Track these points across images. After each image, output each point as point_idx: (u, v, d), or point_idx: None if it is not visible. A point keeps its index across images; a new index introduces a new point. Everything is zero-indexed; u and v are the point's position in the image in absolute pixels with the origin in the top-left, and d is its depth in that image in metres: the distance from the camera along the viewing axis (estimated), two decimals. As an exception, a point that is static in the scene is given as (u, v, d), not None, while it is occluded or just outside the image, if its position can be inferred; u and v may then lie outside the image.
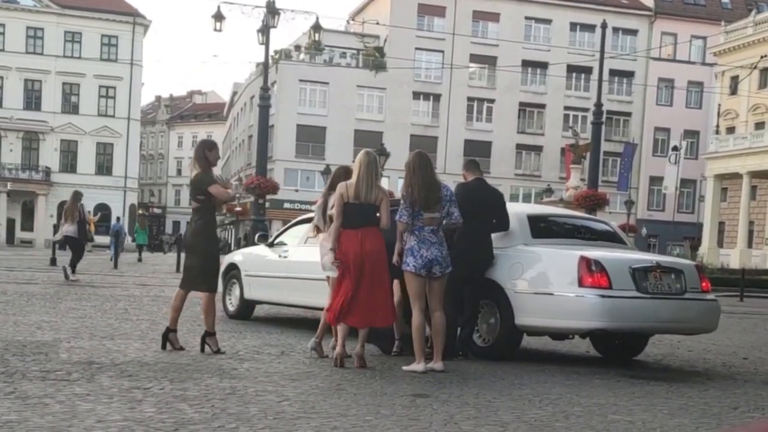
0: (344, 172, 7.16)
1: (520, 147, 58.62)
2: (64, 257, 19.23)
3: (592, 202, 23.77)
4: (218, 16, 22.76)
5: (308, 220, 8.99)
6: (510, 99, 57.77)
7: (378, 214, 6.59)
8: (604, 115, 26.72)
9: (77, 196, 16.63)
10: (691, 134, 56.83)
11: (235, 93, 73.79)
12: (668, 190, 44.74)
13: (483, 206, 7.43)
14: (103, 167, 56.28)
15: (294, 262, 9.43)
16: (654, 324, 7.30)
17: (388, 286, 6.66)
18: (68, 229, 16.17)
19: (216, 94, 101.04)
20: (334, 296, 6.63)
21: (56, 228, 20.23)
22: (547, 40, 57.75)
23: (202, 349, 6.93)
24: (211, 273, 7.09)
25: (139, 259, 32.55)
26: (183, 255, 7.39)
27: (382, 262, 6.57)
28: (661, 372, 7.35)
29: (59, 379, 5.29)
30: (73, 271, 16.14)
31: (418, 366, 6.40)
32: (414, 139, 54.95)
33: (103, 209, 53.64)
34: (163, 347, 6.96)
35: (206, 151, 7.11)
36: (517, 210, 8.05)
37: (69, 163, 55.67)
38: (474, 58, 57.11)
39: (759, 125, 45.77)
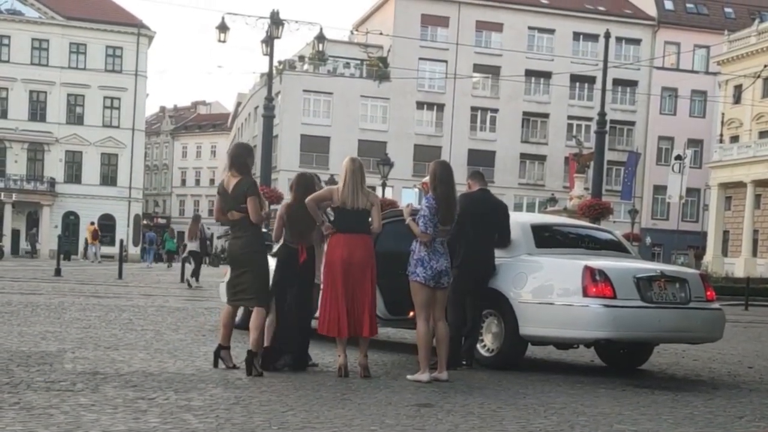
0: (307, 180, 7.11)
1: (523, 156, 58.65)
2: (68, 267, 19.23)
3: (596, 211, 23.75)
4: (222, 27, 22.84)
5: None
6: (513, 108, 57.82)
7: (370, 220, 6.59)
8: (608, 125, 26.71)
9: (197, 218, 20.28)
10: (695, 143, 56.78)
11: (239, 103, 73.97)
12: (673, 200, 44.67)
13: (486, 217, 7.43)
14: (108, 178, 56.34)
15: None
16: (658, 333, 7.29)
17: (373, 296, 6.57)
18: (191, 245, 19.35)
19: (220, 104, 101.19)
20: (322, 305, 6.55)
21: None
22: (550, 50, 57.82)
23: (249, 372, 6.26)
24: (265, 288, 6.57)
25: (169, 266, 34.12)
26: (229, 269, 6.77)
27: (368, 271, 6.51)
28: (666, 381, 7.33)
29: (64, 390, 5.29)
30: (197, 280, 19.16)
31: (422, 375, 6.40)
32: (418, 149, 55.10)
33: (107, 219, 53.78)
34: (215, 365, 6.55)
35: (248, 157, 6.63)
36: (520, 219, 8.05)
37: (74, 174, 55.71)
38: (477, 67, 57.20)
39: (763, 134, 45.72)
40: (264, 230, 7.31)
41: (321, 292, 6.67)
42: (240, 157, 6.56)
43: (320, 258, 6.91)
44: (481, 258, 7.34)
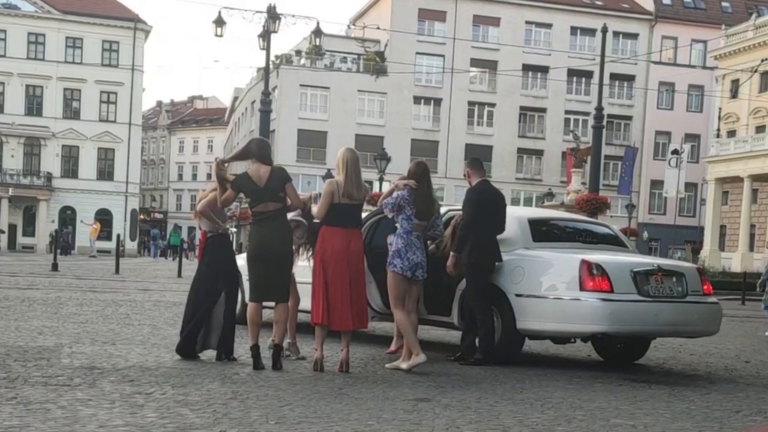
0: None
1: (521, 151, 58.61)
2: (66, 262, 19.22)
3: (593, 205, 23.75)
4: (219, 22, 22.76)
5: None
6: (511, 103, 57.78)
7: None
8: (605, 119, 26.70)
9: None
10: (692, 138, 56.80)
11: (236, 98, 73.84)
12: (670, 194, 44.71)
13: (491, 208, 7.41)
14: (105, 173, 56.24)
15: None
16: (655, 327, 7.29)
17: (365, 288, 6.68)
18: None
19: (217, 99, 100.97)
20: (315, 296, 6.46)
21: None
22: (547, 44, 57.78)
23: (276, 366, 6.32)
24: (289, 282, 6.67)
25: (173, 259, 34.85)
26: (265, 266, 6.40)
27: (362, 264, 6.58)
28: (663, 376, 7.34)
29: (61, 385, 5.30)
30: None
31: (418, 358, 6.50)
32: (415, 144, 55.02)
33: (104, 214, 53.72)
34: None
35: (269, 149, 6.62)
36: (518, 214, 8.04)
37: (70, 169, 55.63)
38: (474, 62, 57.13)
39: (760, 128, 45.75)
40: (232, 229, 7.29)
41: (312, 284, 6.58)
42: (267, 149, 6.60)
43: (298, 253, 6.99)
44: (493, 252, 7.28)
